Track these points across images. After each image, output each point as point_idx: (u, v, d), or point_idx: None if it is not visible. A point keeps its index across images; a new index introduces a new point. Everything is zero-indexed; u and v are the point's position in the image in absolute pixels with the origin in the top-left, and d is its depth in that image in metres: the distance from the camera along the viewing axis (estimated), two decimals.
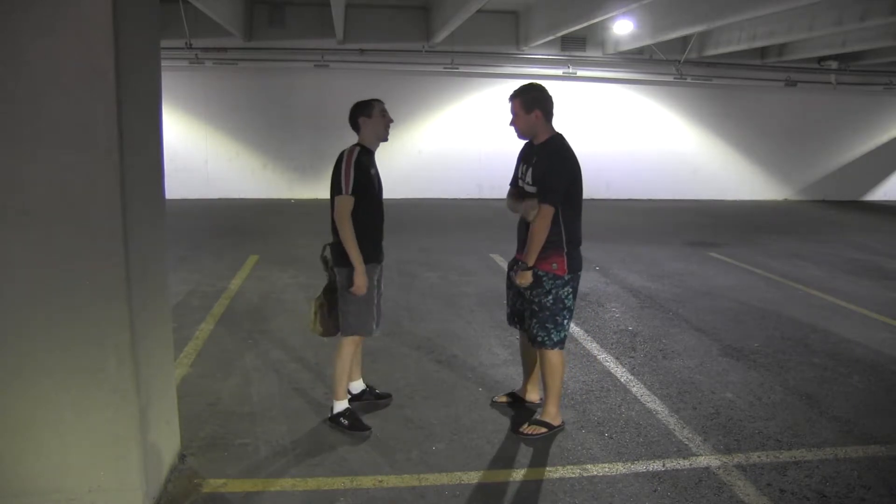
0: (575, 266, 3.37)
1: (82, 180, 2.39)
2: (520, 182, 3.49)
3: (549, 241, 3.28)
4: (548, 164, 3.30)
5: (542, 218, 3.22)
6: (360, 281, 3.31)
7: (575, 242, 3.36)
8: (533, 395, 3.84)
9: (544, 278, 3.33)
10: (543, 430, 3.51)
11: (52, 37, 2.29)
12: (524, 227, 3.42)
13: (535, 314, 3.38)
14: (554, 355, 3.43)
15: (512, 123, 3.43)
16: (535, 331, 3.40)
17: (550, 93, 3.45)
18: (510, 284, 3.62)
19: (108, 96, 2.34)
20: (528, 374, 3.83)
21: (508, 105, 3.41)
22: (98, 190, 2.40)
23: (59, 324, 2.46)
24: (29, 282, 2.43)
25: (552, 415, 3.55)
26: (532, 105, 3.34)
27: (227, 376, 4.19)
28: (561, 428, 3.57)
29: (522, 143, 3.58)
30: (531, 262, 3.30)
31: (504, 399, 3.88)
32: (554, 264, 3.31)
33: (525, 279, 3.34)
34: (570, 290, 3.38)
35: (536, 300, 3.36)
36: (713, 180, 14.69)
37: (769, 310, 6.02)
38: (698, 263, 8.04)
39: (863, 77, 14.57)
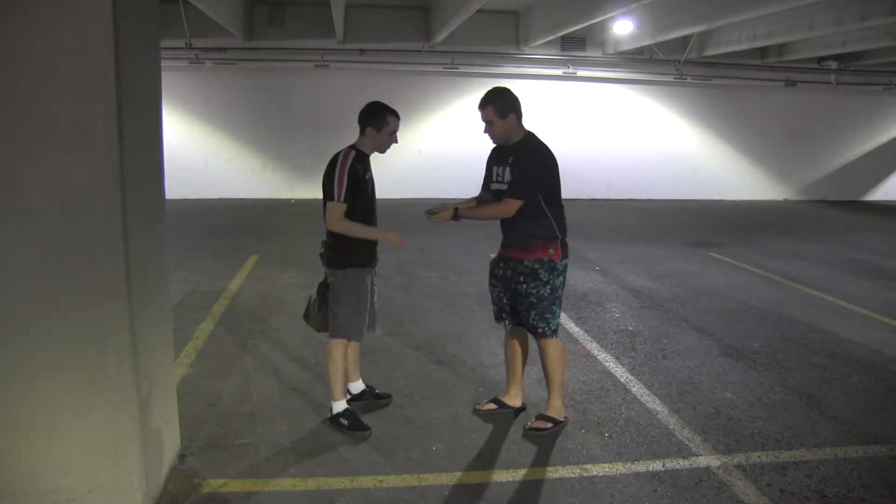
0: (566, 252, 3.50)
1: (82, 180, 2.39)
2: (493, 185, 3.55)
3: (543, 233, 3.41)
4: (528, 163, 3.39)
5: (507, 206, 3.36)
6: (391, 236, 3.36)
7: (564, 232, 3.50)
8: (517, 401, 3.77)
9: (541, 270, 3.41)
10: (549, 424, 3.54)
11: (52, 37, 2.29)
12: (507, 224, 3.49)
13: (534, 306, 3.45)
14: (553, 347, 3.51)
15: (487, 131, 3.47)
16: (535, 322, 3.47)
17: (516, 93, 3.49)
18: (494, 283, 3.65)
19: (107, 96, 2.34)
20: (512, 377, 3.77)
21: (479, 114, 3.44)
22: (98, 190, 2.40)
23: (59, 324, 2.46)
24: (29, 281, 2.43)
25: (557, 408, 3.59)
26: (506, 110, 3.38)
27: (227, 376, 4.19)
28: (565, 423, 3.59)
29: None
30: (466, 215, 3.44)
31: (491, 407, 3.78)
32: (551, 250, 3.43)
33: (445, 217, 3.44)
34: (562, 279, 3.51)
35: (535, 292, 3.43)
36: (713, 180, 14.68)
37: (769, 310, 6.02)
38: (698, 263, 8.04)
39: (863, 77, 14.56)
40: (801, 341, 5.16)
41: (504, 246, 3.56)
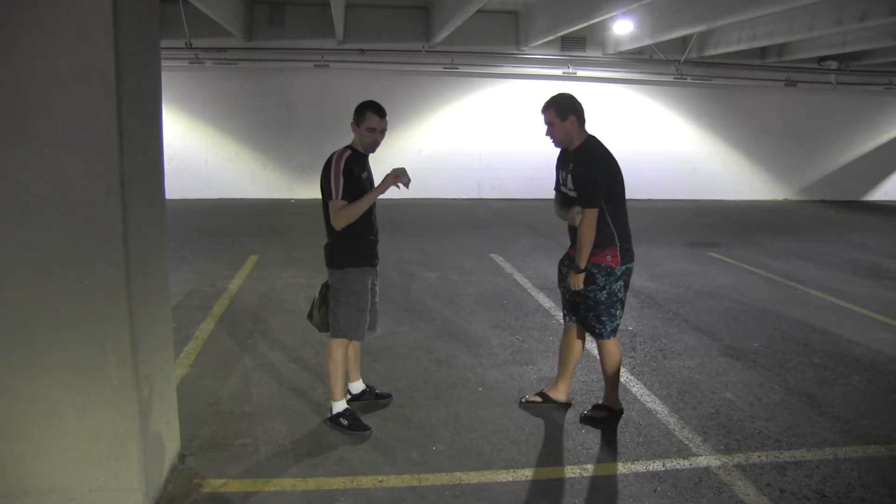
0: (627, 258, 3.52)
1: (82, 180, 2.39)
2: (562, 188, 3.63)
3: (601, 238, 3.43)
4: (585, 169, 3.44)
5: (588, 220, 3.38)
6: (388, 180, 3.27)
7: (625, 236, 3.51)
8: (561, 395, 3.84)
9: (598, 275, 3.47)
10: (605, 413, 3.66)
11: (52, 36, 2.29)
12: (574, 229, 3.52)
13: (592, 308, 3.54)
14: (611, 345, 3.61)
15: (548, 133, 3.54)
16: (592, 323, 3.57)
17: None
18: (561, 279, 3.73)
19: (108, 96, 2.35)
20: (562, 373, 3.83)
21: (542, 116, 3.50)
22: (98, 189, 2.40)
23: (59, 323, 2.46)
24: (29, 281, 2.43)
25: (613, 399, 3.70)
26: (567, 112, 3.45)
27: (227, 376, 4.19)
28: (621, 412, 3.71)
29: (550, 148, 3.68)
30: (582, 265, 3.45)
31: (536, 399, 3.87)
32: (608, 256, 3.47)
33: (577, 283, 3.48)
34: (622, 283, 3.54)
35: (592, 296, 3.51)
36: (713, 180, 14.69)
37: (769, 310, 6.02)
38: (698, 263, 8.04)
39: (863, 77, 14.57)
40: (801, 341, 5.16)
41: (571, 245, 3.64)
